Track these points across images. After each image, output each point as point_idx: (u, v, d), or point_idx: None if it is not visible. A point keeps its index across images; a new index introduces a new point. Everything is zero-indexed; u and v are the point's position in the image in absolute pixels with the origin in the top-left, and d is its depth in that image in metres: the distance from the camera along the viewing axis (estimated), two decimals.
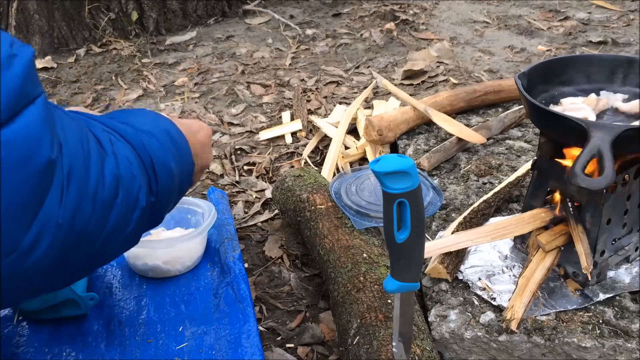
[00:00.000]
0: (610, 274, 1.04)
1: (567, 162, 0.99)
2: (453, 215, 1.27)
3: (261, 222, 1.49)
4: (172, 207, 0.78)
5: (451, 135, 1.55)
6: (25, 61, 0.52)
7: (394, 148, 1.68)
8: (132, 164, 0.64)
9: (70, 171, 0.55)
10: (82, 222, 0.56)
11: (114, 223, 0.61)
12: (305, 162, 1.73)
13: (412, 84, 2.20)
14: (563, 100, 1.05)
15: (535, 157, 1.06)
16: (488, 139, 1.57)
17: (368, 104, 2.00)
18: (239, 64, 2.53)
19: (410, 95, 1.91)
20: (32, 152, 0.51)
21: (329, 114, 1.99)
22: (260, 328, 1.13)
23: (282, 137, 1.89)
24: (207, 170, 1.73)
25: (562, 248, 1.03)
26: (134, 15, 2.85)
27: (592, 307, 0.99)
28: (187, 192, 1.60)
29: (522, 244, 1.11)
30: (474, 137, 1.53)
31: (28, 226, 0.52)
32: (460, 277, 1.07)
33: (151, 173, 0.67)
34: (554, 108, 1.03)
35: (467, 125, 1.60)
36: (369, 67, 2.44)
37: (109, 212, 0.60)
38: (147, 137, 0.68)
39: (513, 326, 0.94)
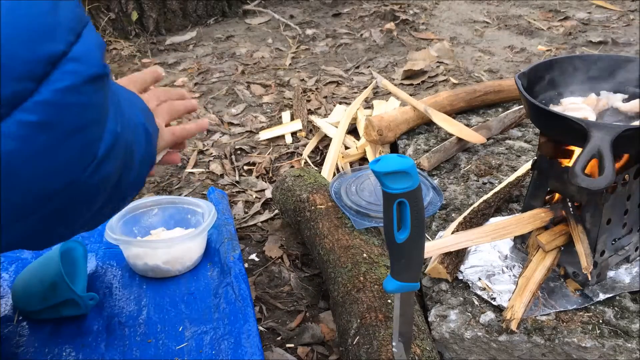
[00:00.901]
0: (610, 274, 1.04)
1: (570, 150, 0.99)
2: (453, 215, 1.27)
3: (261, 222, 1.49)
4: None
5: (451, 135, 1.55)
6: None
7: (394, 148, 1.68)
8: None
9: (112, 95, 0.59)
10: (126, 137, 0.61)
11: (141, 135, 0.67)
12: (305, 162, 1.73)
13: (412, 84, 2.20)
14: (563, 100, 1.05)
15: (535, 157, 1.06)
16: (488, 139, 1.57)
17: (368, 104, 2.00)
18: (239, 64, 2.53)
19: (410, 95, 1.91)
20: (95, 67, 0.54)
21: (329, 114, 1.99)
22: (260, 328, 1.13)
23: (282, 137, 1.89)
24: (207, 170, 1.73)
25: (562, 248, 1.03)
26: (134, 15, 2.85)
27: (592, 307, 0.99)
28: (187, 192, 1.61)
29: (522, 244, 1.11)
30: (474, 137, 1.53)
31: (101, 135, 0.56)
32: (460, 277, 1.07)
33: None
34: (554, 108, 1.03)
35: (467, 125, 1.60)
36: (369, 67, 2.44)
37: (133, 153, 0.64)
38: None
39: (513, 326, 0.94)
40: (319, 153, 1.79)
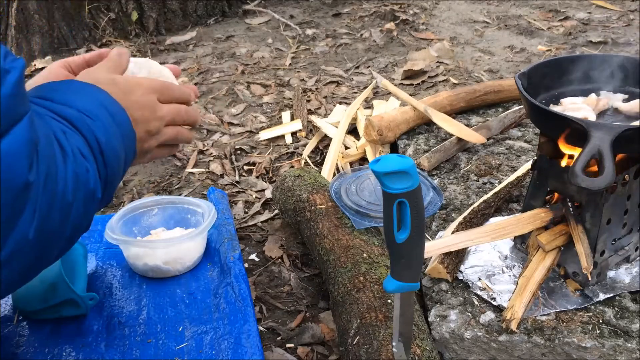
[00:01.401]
0: (610, 274, 1.04)
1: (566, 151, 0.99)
2: (453, 215, 1.27)
3: (261, 222, 1.49)
4: (119, 181, 0.73)
5: (451, 135, 1.55)
6: (16, 77, 0.51)
7: (394, 148, 1.68)
8: (85, 157, 0.62)
9: (45, 182, 0.54)
10: (49, 230, 0.56)
11: (73, 220, 0.60)
12: (305, 162, 1.73)
13: (412, 84, 2.20)
14: (563, 100, 1.05)
15: (535, 157, 1.06)
16: (488, 139, 1.57)
17: (368, 104, 2.00)
18: (239, 64, 2.53)
19: (410, 95, 1.91)
20: (13, 173, 0.50)
21: (329, 114, 1.99)
22: (260, 328, 1.13)
23: (282, 137, 1.89)
24: (207, 170, 1.73)
25: (562, 248, 1.03)
26: (134, 15, 2.85)
27: (592, 307, 0.99)
28: (187, 192, 1.61)
29: (522, 244, 1.11)
30: (474, 137, 1.53)
31: (4, 243, 0.51)
32: (460, 277, 1.07)
33: (99, 157, 0.64)
34: (554, 108, 1.03)
35: (467, 125, 1.60)
36: (369, 67, 2.44)
37: (69, 213, 0.58)
38: (90, 120, 0.65)
39: (513, 326, 0.94)
40: (319, 153, 1.79)
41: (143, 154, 0.76)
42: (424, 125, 1.70)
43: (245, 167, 1.75)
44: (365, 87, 2.12)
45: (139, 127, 0.72)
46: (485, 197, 1.25)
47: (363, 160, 1.68)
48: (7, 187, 0.49)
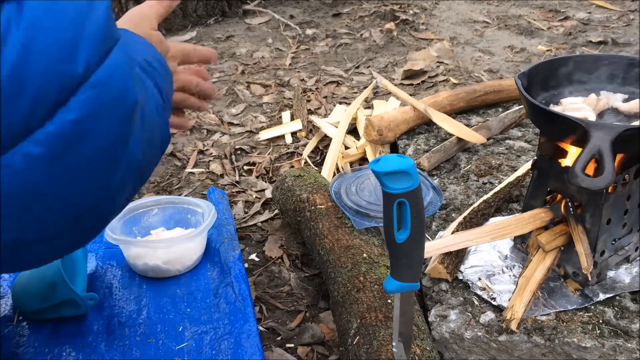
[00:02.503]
0: (610, 274, 1.04)
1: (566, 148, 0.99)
2: (453, 215, 1.27)
3: (261, 222, 1.49)
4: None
5: (451, 135, 1.55)
6: (107, 4, 0.51)
7: (394, 148, 1.68)
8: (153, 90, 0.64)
9: (144, 101, 0.55)
10: (150, 148, 0.58)
11: (162, 135, 0.62)
12: (305, 162, 1.73)
13: (412, 84, 2.20)
14: (563, 100, 1.05)
15: (535, 157, 1.06)
16: (488, 139, 1.57)
17: (368, 104, 2.00)
18: (239, 64, 2.53)
19: (410, 95, 1.91)
20: (123, 92, 0.50)
21: (329, 114, 1.99)
22: (260, 328, 1.13)
23: (282, 137, 1.89)
24: (207, 170, 1.73)
25: (562, 248, 1.03)
26: None
27: (592, 307, 0.99)
28: (187, 192, 1.61)
29: (522, 244, 1.11)
30: (474, 137, 1.53)
31: (116, 167, 0.52)
32: (460, 277, 1.07)
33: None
34: (554, 108, 1.03)
35: (467, 125, 1.60)
36: (369, 67, 2.44)
37: (160, 129, 0.61)
38: (151, 68, 0.64)
39: (513, 326, 0.94)
40: (319, 153, 1.79)
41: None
42: (424, 125, 1.70)
43: (245, 167, 1.75)
44: (365, 87, 2.12)
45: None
46: (485, 197, 1.25)
47: (363, 160, 1.68)
48: (122, 106, 0.50)
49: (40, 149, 0.45)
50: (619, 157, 0.93)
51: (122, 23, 0.72)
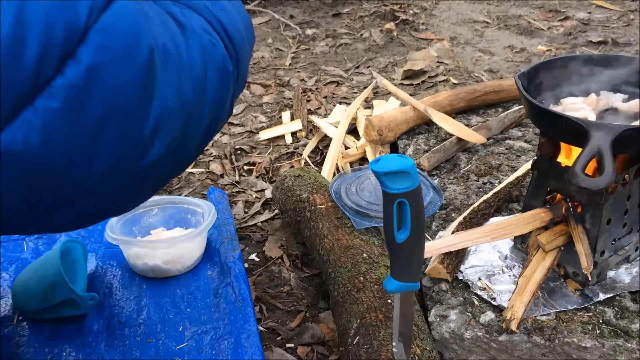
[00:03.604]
0: (610, 274, 1.04)
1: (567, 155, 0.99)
2: (453, 215, 1.27)
3: (261, 222, 1.49)
4: (248, 68, 0.73)
5: (451, 135, 1.55)
6: None
7: (394, 148, 1.68)
8: (209, 33, 0.61)
9: (165, 54, 0.52)
10: (187, 101, 0.55)
11: (212, 96, 0.59)
12: (305, 162, 1.73)
13: (412, 84, 2.20)
14: (563, 100, 1.05)
15: (535, 157, 1.06)
16: (488, 139, 1.57)
17: (368, 104, 2.00)
18: None
19: (410, 95, 1.91)
20: (134, 39, 0.48)
21: (329, 114, 1.99)
22: (260, 328, 1.13)
23: (282, 137, 1.89)
24: (207, 170, 1.73)
25: (562, 248, 1.03)
26: None
27: (592, 307, 0.99)
28: (187, 192, 1.61)
29: (522, 244, 1.11)
30: (474, 137, 1.53)
31: (146, 116, 0.50)
32: (460, 277, 1.07)
33: (224, 36, 0.63)
34: (553, 108, 1.03)
35: (467, 125, 1.60)
36: (369, 67, 2.44)
37: (205, 87, 0.58)
38: (209, 2, 0.64)
39: (513, 326, 0.94)
40: (319, 153, 1.79)
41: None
42: (424, 125, 1.70)
43: (245, 167, 1.75)
44: (365, 87, 2.12)
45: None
46: (485, 197, 1.25)
47: (363, 160, 1.68)
48: (134, 55, 0.48)
49: (56, 102, 0.44)
50: (619, 157, 0.93)
51: None
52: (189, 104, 0.56)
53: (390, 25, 2.83)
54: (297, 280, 1.27)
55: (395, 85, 2.00)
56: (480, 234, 1.03)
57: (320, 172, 1.53)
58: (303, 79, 2.34)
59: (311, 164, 1.72)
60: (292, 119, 1.98)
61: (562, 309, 0.98)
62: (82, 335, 1.00)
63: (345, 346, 0.95)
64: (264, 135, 1.90)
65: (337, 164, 1.63)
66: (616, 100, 1.05)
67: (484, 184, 1.38)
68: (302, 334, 1.12)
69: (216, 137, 1.92)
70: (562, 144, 1.00)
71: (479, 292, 1.03)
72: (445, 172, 1.46)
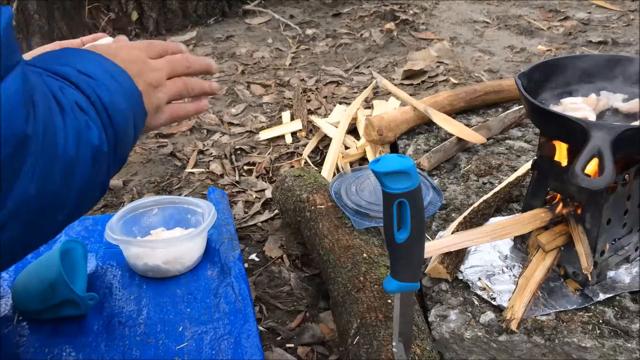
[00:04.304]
0: (610, 274, 1.04)
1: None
2: (453, 215, 1.27)
3: (261, 222, 1.49)
4: (135, 141, 0.71)
5: (451, 135, 1.55)
6: (4, 25, 0.48)
7: (394, 148, 1.68)
8: (85, 111, 0.59)
9: (43, 136, 0.51)
10: (52, 190, 0.54)
11: (80, 181, 0.58)
12: (305, 162, 1.73)
13: (412, 84, 2.20)
14: (563, 100, 1.05)
15: (535, 157, 1.06)
16: (488, 139, 1.57)
17: (368, 104, 2.00)
18: (239, 64, 2.53)
19: (410, 95, 1.91)
20: (11, 123, 0.47)
21: (329, 114, 1.99)
22: (260, 328, 1.13)
23: (282, 137, 1.89)
24: (207, 170, 1.73)
25: (562, 248, 1.03)
26: (134, 16, 2.85)
27: (592, 307, 0.99)
28: (187, 192, 1.61)
29: (522, 244, 1.11)
30: (474, 137, 1.53)
31: (5, 200, 0.49)
32: (460, 277, 1.07)
33: (103, 115, 0.62)
34: (554, 108, 1.03)
35: (467, 125, 1.60)
36: (369, 67, 2.44)
37: (73, 171, 0.56)
38: (90, 79, 0.63)
39: (513, 326, 0.94)
40: (319, 153, 1.79)
41: (155, 110, 0.74)
42: (424, 125, 1.70)
43: (245, 167, 1.75)
44: (365, 87, 2.12)
45: (137, 81, 0.69)
46: (485, 197, 1.25)
47: (363, 160, 1.68)
48: (6, 138, 0.47)
49: None
50: (619, 157, 0.93)
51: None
52: (53, 193, 0.55)
53: (390, 25, 2.83)
54: (297, 280, 1.27)
55: (395, 85, 2.00)
56: (480, 234, 1.03)
57: (320, 172, 1.53)
58: (303, 79, 2.34)
59: (311, 164, 1.72)
60: (292, 119, 1.98)
61: (562, 309, 0.98)
62: (82, 335, 1.00)
63: (345, 346, 0.95)
64: (264, 135, 1.90)
65: (337, 164, 1.64)
66: (616, 100, 1.05)
67: (484, 184, 1.38)
68: (302, 334, 1.12)
69: (216, 137, 1.92)
70: (560, 143, 1.00)
71: (479, 292, 1.03)
72: (445, 172, 1.46)
